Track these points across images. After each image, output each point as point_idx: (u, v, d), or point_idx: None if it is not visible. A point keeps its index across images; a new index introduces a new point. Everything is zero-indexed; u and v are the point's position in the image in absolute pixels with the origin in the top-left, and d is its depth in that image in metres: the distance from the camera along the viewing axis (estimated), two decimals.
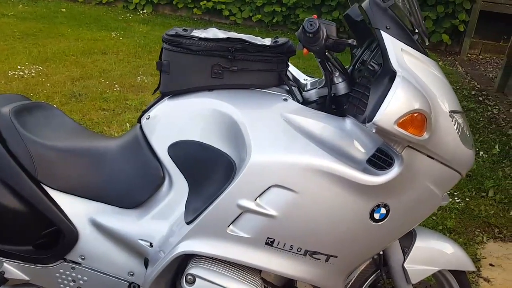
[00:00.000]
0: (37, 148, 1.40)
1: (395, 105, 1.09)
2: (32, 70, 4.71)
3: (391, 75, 1.15)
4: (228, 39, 1.31)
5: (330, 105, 1.36)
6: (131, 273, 1.42)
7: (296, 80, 1.55)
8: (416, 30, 1.26)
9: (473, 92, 5.25)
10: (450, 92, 1.31)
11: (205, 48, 1.31)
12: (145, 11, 7.02)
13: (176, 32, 1.34)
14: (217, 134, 1.32)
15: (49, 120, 1.55)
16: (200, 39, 1.31)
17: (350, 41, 1.22)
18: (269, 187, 1.21)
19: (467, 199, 2.93)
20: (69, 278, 1.44)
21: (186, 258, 1.33)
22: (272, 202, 1.22)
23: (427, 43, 1.33)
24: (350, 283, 1.50)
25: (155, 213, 1.37)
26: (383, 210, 1.26)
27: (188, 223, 1.29)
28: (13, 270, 1.44)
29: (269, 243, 1.25)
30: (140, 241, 1.37)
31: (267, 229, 1.24)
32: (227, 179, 1.26)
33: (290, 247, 1.26)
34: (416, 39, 1.26)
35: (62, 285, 1.45)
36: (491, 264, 2.36)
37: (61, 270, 1.43)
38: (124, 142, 1.46)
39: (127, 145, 1.45)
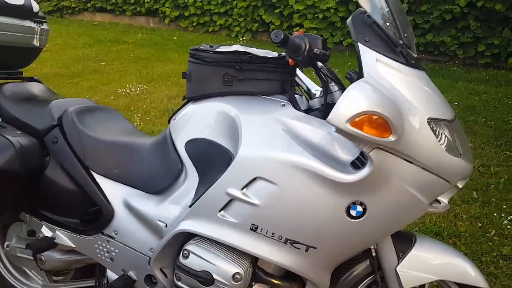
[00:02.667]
0: (88, 139, 1.75)
1: (347, 104, 1.20)
2: (138, 88, 5.40)
3: None
4: (235, 52, 1.53)
5: (328, 112, 1.50)
6: (152, 250, 1.67)
7: (308, 90, 1.71)
8: (399, 42, 1.35)
9: None
10: (434, 100, 1.36)
11: (217, 59, 1.54)
12: (244, 38, 7.55)
13: (198, 47, 1.60)
14: (222, 133, 1.53)
15: (105, 120, 1.91)
16: (214, 52, 1.55)
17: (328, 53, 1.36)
18: (254, 179, 1.38)
19: None
20: (105, 249, 1.74)
21: (189, 238, 1.54)
22: (256, 192, 1.39)
23: (414, 55, 1.40)
24: (344, 284, 1.57)
25: (172, 198, 1.61)
26: (359, 208, 1.35)
27: (190, 206, 1.51)
28: (63, 237, 1.79)
29: (253, 229, 1.41)
30: (158, 222, 1.62)
31: (251, 216, 1.40)
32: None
33: (272, 234, 1.40)
34: (400, 51, 1.35)
35: (99, 255, 1.76)
36: None
37: (99, 242, 1.74)
38: (156, 139, 1.75)
39: (158, 142, 1.73)
